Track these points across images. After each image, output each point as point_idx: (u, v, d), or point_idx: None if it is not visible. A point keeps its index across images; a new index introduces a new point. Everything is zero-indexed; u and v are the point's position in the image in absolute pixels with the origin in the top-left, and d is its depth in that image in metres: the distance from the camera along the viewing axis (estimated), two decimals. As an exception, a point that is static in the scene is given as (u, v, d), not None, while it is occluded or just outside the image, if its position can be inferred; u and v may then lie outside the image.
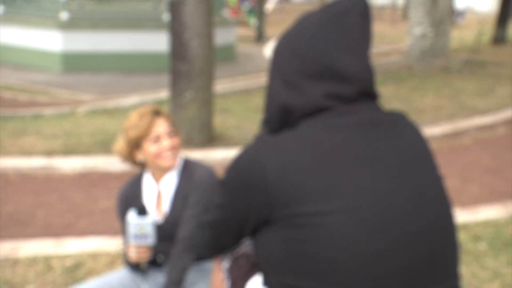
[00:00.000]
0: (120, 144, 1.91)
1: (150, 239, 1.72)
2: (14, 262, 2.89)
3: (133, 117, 1.87)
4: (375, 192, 1.06)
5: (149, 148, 1.85)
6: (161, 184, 1.93)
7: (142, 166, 1.96)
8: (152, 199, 1.94)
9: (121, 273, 1.98)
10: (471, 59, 10.37)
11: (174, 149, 1.87)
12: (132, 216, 1.70)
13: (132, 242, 1.72)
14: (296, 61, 1.17)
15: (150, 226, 1.69)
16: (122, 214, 1.96)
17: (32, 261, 2.90)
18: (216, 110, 5.97)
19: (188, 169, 1.94)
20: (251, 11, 19.44)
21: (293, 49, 1.18)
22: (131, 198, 1.95)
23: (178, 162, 1.94)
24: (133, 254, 1.76)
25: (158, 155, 1.85)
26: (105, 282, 1.92)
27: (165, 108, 1.98)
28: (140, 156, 1.89)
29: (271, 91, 1.23)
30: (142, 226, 1.68)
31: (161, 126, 1.85)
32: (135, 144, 1.87)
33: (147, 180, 1.96)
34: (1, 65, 12.37)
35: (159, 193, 1.94)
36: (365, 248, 1.03)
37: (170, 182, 1.92)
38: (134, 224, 1.68)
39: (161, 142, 1.84)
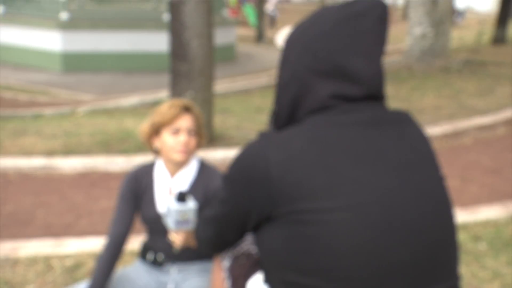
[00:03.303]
0: (145, 125, 1.93)
1: (191, 225, 1.71)
2: (14, 262, 2.89)
3: (165, 105, 1.90)
4: (378, 189, 1.06)
5: (166, 138, 1.87)
6: (174, 179, 1.93)
7: (157, 153, 1.96)
8: (163, 190, 1.93)
9: (137, 266, 2.00)
10: (471, 59, 10.38)
11: (188, 147, 1.87)
12: (173, 203, 1.68)
13: (174, 229, 1.72)
14: (307, 57, 1.16)
15: (193, 212, 1.69)
16: (127, 193, 1.95)
17: (32, 261, 2.90)
18: (216, 110, 5.97)
19: (206, 174, 1.94)
20: (250, 9, 19.44)
21: (306, 44, 1.16)
22: (141, 181, 1.95)
23: (192, 162, 1.94)
24: (176, 240, 1.75)
25: (171, 147, 1.86)
26: (124, 273, 1.95)
27: (198, 108, 1.99)
28: (157, 143, 1.91)
29: (281, 84, 1.22)
30: (185, 212, 1.68)
31: (184, 121, 1.87)
32: (156, 130, 1.90)
33: (160, 169, 1.96)
34: (1, 65, 12.38)
35: (171, 188, 1.94)
36: (367, 245, 1.04)
37: (184, 180, 1.92)
38: (177, 211, 1.67)
39: (179, 136, 1.86)
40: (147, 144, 1.95)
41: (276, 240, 1.11)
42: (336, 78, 1.14)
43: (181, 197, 1.67)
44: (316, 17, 1.19)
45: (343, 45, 1.13)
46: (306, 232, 1.05)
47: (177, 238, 1.74)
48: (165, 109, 1.88)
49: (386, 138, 1.12)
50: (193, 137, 1.89)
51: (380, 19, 1.16)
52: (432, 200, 1.11)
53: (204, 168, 1.96)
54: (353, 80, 1.13)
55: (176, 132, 1.86)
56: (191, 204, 1.68)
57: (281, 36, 1.43)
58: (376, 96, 1.17)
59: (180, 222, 1.69)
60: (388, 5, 1.19)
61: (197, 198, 1.88)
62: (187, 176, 1.92)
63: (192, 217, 1.68)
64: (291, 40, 1.21)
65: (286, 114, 1.21)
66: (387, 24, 1.18)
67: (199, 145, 1.94)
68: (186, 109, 1.89)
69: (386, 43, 1.18)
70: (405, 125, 1.18)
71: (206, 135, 1.99)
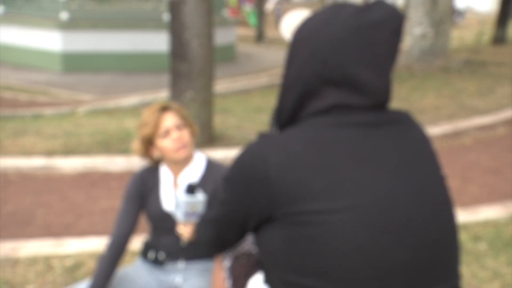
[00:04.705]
0: (136, 143, 1.94)
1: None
2: (14, 262, 2.89)
3: (144, 116, 1.92)
4: (378, 190, 1.06)
5: (161, 144, 1.88)
6: (179, 178, 1.93)
7: (160, 161, 1.97)
8: (169, 188, 1.94)
9: (137, 266, 2.00)
10: (471, 59, 10.38)
11: (183, 141, 1.87)
12: (182, 195, 1.69)
13: (183, 220, 1.72)
14: (316, 63, 1.12)
15: (202, 204, 1.69)
16: (132, 193, 1.95)
17: (32, 261, 2.90)
18: (216, 110, 5.97)
19: (214, 170, 1.94)
20: (252, 15, 19.51)
21: (315, 49, 1.12)
22: (147, 181, 1.96)
23: (196, 159, 1.94)
24: (185, 233, 1.76)
25: (170, 149, 1.86)
26: (124, 273, 1.95)
27: (175, 103, 2.00)
28: (156, 152, 1.92)
29: (286, 83, 1.20)
30: (194, 204, 1.68)
31: (168, 120, 1.88)
32: (148, 142, 1.91)
33: (165, 171, 1.97)
34: (1, 65, 12.37)
35: (177, 185, 1.94)
36: (368, 246, 1.04)
37: (190, 177, 1.92)
38: (186, 203, 1.67)
39: (170, 135, 1.86)
40: (147, 158, 1.96)
41: (276, 240, 1.10)
42: (343, 87, 1.11)
43: (190, 189, 1.68)
44: (328, 19, 1.13)
45: (354, 56, 1.10)
46: (306, 233, 1.05)
47: (185, 230, 1.74)
48: (146, 119, 1.89)
49: (386, 139, 1.12)
50: (184, 129, 1.90)
51: (395, 31, 1.12)
52: (432, 200, 1.11)
53: (212, 164, 1.97)
54: (360, 91, 1.11)
55: (167, 133, 1.87)
56: (200, 196, 1.68)
57: (288, 24, 1.40)
58: (380, 104, 1.15)
59: (189, 214, 1.69)
60: (403, 17, 1.14)
61: (206, 193, 1.88)
62: (192, 173, 1.93)
63: (200, 209, 1.69)
64: (300, 39, 1.16)
65: (288, 113, 1.21)
66: (401, 36, 1.14)
67: (194, 134, 1.95)
68: (164, 109, 1.90)
69: (397, 55, 1.15)
70: (405, 125, 1.17)
71: (195, 123, 2.00)
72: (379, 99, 1.14)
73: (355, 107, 1.12)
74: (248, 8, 20.64)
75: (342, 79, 1.11)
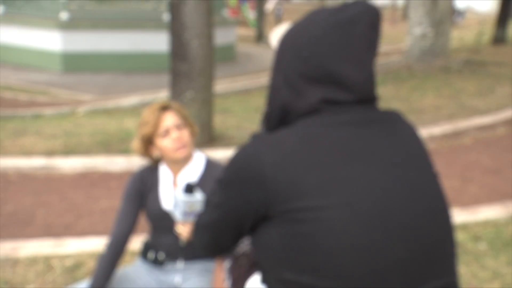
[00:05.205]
0: (135, 142, 1.95)
1: None
2: (14, 262, 2.89)
3: (144, 115, 1.92)
4: (372, 187, 1.07)
5: (161, 143, 1.88)
6: (179, 178, 1.93)
7: (159, 161, 1.97)
8: (168, 187, 1.94)
9: (137, 266, 2.00)
10: (471, 59, 10.39)
11: (183, 141, 1.88)
12: (181, 194, 1.69)
13: (181, 220, 1.73)
14: (299, 63, 1.16)
15: (200, 204, 1.69)
16: (132, 192, 1.96)
17: (32, 261, 2.90)
18: (216, 110, 5.98)
19: (213, 169, 1.95)
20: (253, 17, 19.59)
21: (297, 49, 1.17)
22: (147, 181, 1.97)
23: (195, 158, 1.95)
24: (183, 232, 1.76)
25: (170, 149, 1.87)
26: (124, 273, 1.95)
27: (175, 103, 2.01)
28: (155, 151, 1.92)
29: (273, 88, 1.23)
30: (193, 204, 1.69)
31: (168, 120, 1.88)
32: (148, 141, 1.91)
33: (164, 170, 1.97)
34: (1, 65, 12.38)
35: (176, 184, 1.94)
36: (362, 242, 1.04)
37: (189, 176, 1.92)
38: (185, 202, 1.68)
39: (170, 135, 1.87)
40: (146, 156, 1.96)
41: (272, 238, 1.11)
42: (326, 84, 1.14)
43: (189, 189, 1.68)
44: (308, 21, 1.19)
45: (334, 52, 1.13)
46: (301, 230, 1.06)
47: (183, 230, 1.74)
48: (146, 118, 1.89)
49: (378, 137, 1.13)
50: (184, 129, 1.90)
51: (371, 25, 1.15)
52: (426, 196, 1.12)
53: (211, 164, 1.98)
54: (343, 86, 1.14)
55: (167, 133, 1.88)
56: (198, 195, 1.69)
57: (275, 36, 1.45)
58: (367, 99, 1.17)
59: (188, 213, 1.70)
60: (381, 9, 1.18)
61: (205, 192, 1.88)
62: (191, 172, 1.93)
63: (199, 208, 1.69)
64: (284, 44, 1.21)
65: (277, 117, 1.22)
66: (379, 29, 1.17)
67: (194, 134, 1.95)
68: (164, 108, 1.91)
69: (377, 48, 1.18)
70: (396, 123, 1.19)
71: (195, 123, 2.01)
72: (363, 93, 1.16)
73: (342, 103, 1.14)
74: (251, 15, 20.72)
75: (324, 76, 1.14)
